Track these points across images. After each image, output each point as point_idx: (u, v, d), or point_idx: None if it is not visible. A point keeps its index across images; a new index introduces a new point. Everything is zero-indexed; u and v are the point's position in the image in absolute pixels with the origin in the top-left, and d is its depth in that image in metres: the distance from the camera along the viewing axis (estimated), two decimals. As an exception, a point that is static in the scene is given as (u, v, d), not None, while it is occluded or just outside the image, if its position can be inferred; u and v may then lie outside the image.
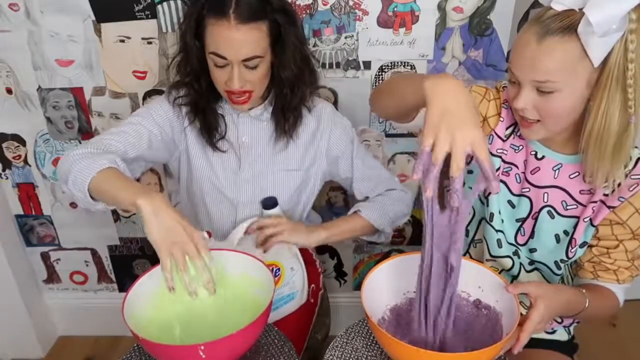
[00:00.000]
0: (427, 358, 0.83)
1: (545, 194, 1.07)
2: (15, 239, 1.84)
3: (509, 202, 1.12)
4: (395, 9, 1.42)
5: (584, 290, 1.03)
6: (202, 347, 0.84)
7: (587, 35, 0.85)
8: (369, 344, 1.01)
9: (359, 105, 1.56)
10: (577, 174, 1.04)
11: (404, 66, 1.50)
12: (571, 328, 1.23)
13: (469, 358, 0.85)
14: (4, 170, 1.74)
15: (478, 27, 1.44)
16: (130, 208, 0.94)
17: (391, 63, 1.50)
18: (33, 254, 1.90)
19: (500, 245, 1.13)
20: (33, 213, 1.81)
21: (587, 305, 1.02)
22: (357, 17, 1.44)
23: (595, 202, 1.02)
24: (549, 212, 1.08)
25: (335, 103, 1.58)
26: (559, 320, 1.19)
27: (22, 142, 1.69)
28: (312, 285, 1.36)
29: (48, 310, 2.01)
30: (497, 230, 1.12)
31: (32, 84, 1.58)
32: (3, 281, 1.81)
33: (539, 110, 0.96)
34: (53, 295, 1.99)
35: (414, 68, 1.50)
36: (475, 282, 0.99)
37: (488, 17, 1.42)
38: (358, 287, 1.90)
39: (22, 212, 1.82)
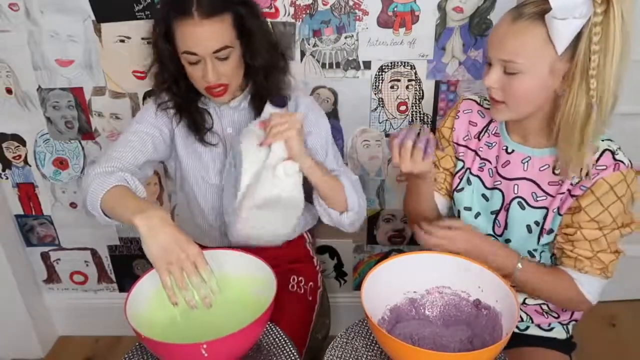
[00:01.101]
0: (427, 358, 0.83)
1: (516, 186, 1.11)
2: (15, 239, 1.84)
3: (483, 195, 1.18)
4: (395, 9, 1.42)
5: (523, 257, 1.10)
6: (205, 346, 0.84)
7: (550, 19, 0.92)
8: (369, 344, 1.01)
9: (359, 105, 1.57)
10: (546, 166, 1.09)
11: (403, 66, 1.50)
12: (569, 326, 1.24)
13: (469, 358, 0.85)
14: (4, 170, 1.74)
15: (478, 27, 1.44)
16: (129, 224, 0.97)
17: (391, 63, 1.50)
18: (33, 254, 1.90)
19: None
20: (33, 213, 1.81)
21: (518, 266, 1.07)
22: (357, 17, 1.44)
23: (563, 192, 1.06)
24: (519, 203, 1.11)
25: (335, 103, 1.58)
26: (555, 315, 1.20)
27: (22, 142, 1.69)
28: (311, 283, 1.36)
29: (48, 310, 2.00)
30: None
31: (32, 84, 1.58)
32: (3, 281, 1.81)
33: (504, 90, 1.03)
34: (53, 295, 1.99)
35: (414, 68, 1.50)
36: (475, 282, 0.99)
37: (488, 17, 1.42)
38: (358, 287, 1.90)
39: (22, 212, 1.81)
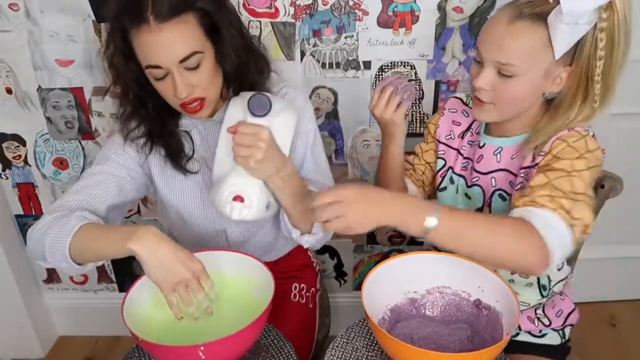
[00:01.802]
0: (427, 358, 0.83)
1: (493, 179, 1.09)
2: (15, 239, 1.84)
3: (466, 194, 1.16)
4: (395, 9, 1.42)
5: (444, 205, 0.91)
6: (202, 348, 0.84)
7: (555, 24, 0.89)
8: (369, 344, 1.01)
9: (359, 105, 1.56)
10: (517, 154, 1.06)
11: (404, 66, 1.50)
12: (566, 331, 1.21)
13: (469, 358, 0.85)
14: (4, 170, 1.74)
15: (478, 27, 1.44)
16: (123, 255, 0.90)
17: (391, 63, 1.50)
18: (33, 254, 1.90)
19: None
20: (33, 213, 1.81)
21: (438, 216, 0.85)
22: (357, 17, 1.44)
23: (531, 167, 1.02)
24: (500, 195, 1.09)
25: (335, 103, 1.58)
26: (546, 322, 1.17)
27: (22, 142, 1.69)
28: (312, 289, 1.35)
29: (48, 310, 2.00)
30: None
31: (32, 84, 1.58)
32: (3, 281, 1.81)
33: (495, 91, 0.99)
34: (53, 295, 1.99)
35: (414, 68, 1.50)
36: (476, 282, 0.99)
37: (488, 16, 1.42)
38: (358, 287, 1.89)
39: (22, 212, 1.81)
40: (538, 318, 1.17)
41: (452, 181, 1.19)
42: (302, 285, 1.33)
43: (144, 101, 1.07)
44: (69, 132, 1.66)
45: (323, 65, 1.52)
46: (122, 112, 1.10)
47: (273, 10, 1.45)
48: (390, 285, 1.01)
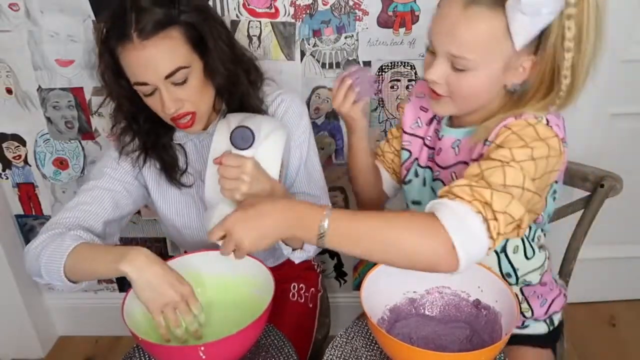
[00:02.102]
0: (427, 358, 0.83)
1: (453, 174, 1.01)
2: (15, 239, 1.84)
3: (432, 188, 1.08)
4: (395, 9, 1.42)
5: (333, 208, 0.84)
6: (202, 348, 0.84)
7: (514, 11, 0.79)
8: (369, 343, 1.01)
9: (359, 105, 1.56)
10: (474, 145, 0.96)
11: (404, 66, 1.50)
12: (554, 318, 1.14)
13: (469, 358, 0.85)
14: (4, 170, 1.74)
15: (478, 27, 1.44)
16: (115, 276, 0.92)
17: (391, 63, 1.50)
18: (33, 254, 1.90)
19: None
20: (33, 213, 1.81)
21: (330, 216, 0.80)
22: (357, 17, 1.44)
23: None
24: None
25: (335, 103, 1.58)
26: (528, 313, 1.10)
27: (22, 142, 1.69)
28: (312, 289, 1.35)
29: (48, 310, 2.00)
30: None
31: (32, 84, 1.58)
32: (3, 281, 1.81)
33: (450, 86, 0.90)
34: (53, 295, 1.98)
35: (414, 68, 1.50)
36: (475, 282, 0.99)
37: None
38: (358, 287, 1.88)
39: (22, 212, 1.81)
40: (522, 312, 1.10)
41: (416, 174, 1.11)
42: (301, 285, 1.33)
43: (136, 116, 1.07)
44: (69, 132, 1.66)
45: (323, 65, 1.52)
46: (116, 126, 1.11)
47: (273, 10, 1.45)
48: (390, 285, 1.01)
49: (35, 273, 1.01)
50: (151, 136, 1.10)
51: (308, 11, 1.44)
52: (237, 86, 1.06)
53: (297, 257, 1.09)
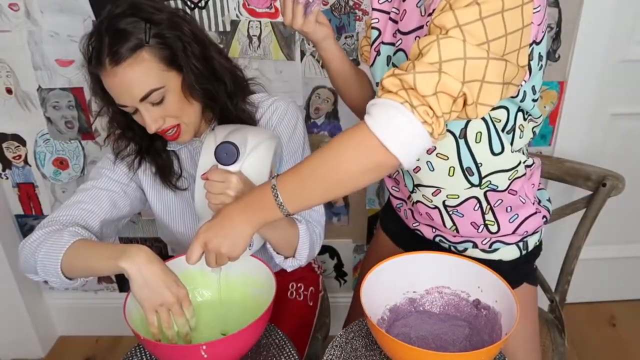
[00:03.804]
0: (427, 358, 0.83)
1: (417, 38, 0.87)
2: (15, 239, 1.84)
3: (394, 65, 0.99)
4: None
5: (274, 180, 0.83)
6: (204, 347, 0.84)
7: None
8: (368, 343, 1.01)
9: (359, 105, 1.57)
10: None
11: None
12: (529, 242, 1.06)
13: (469, 358, 0.85)
14: (4, 170, 1.74)
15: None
16: (114, 272, 0.92)
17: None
18: (33, 254, 1.90)
19: None
20: (33, 213, 1.81)
21: (273, 187, 0.81)
22: (357, 17, 1.44)
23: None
24: None
25: (335, 103, 1.58)
26: (496, 229, 1.02)
27: (22, 142, 1.69)
28: (311, 288, 1.35)
29: (48, 310, 2.00)
30: None
31: (32, 84, 1.58)
32: (3, 281, 1.81)
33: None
34: (53, 295, 1.99)
35: (414, 68, 1.50)
36: (475, 282, 0.99)
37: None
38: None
39: (22, 212, 1.82)
40: (486, 225, 1.02)
41: (379, 52, 1.02)
42: (300, 284, 1.34)
43: (130, 124, 1.08)
44: (69, 132, 1.66)
45: (323, 65, 1.52)
46: (110, 134, 1.12)
47: (273, 10, 1.45)
48: (390, 285, 1.01)
49: (30, 269, 1.00)
50: (145, 141, 1.11)
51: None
52: (216, 101, 1.06)
53: (289, 266, 1.09)
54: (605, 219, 1.29)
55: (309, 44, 1.48)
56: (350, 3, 1.42)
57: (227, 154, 0.94)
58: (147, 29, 0.95)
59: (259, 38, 1.48)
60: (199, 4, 1.45)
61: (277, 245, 1.06)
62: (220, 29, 1.48)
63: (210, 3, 1.45)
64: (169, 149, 1.15)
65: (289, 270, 1.11)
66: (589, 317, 1.95)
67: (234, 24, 1.47)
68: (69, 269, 0.95)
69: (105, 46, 0.94)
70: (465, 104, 0.75)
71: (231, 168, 0.96)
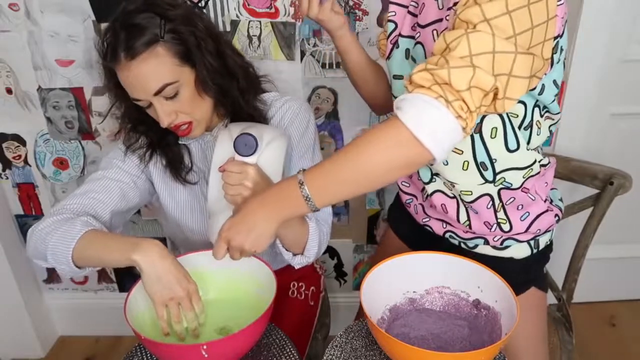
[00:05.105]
0: (426, 358, 0.83)
1: (434, 32, 0.91)
2: (15, 239, 1.84)
3: (413, 59, 0.99)
4: (395, 9, 1.42)
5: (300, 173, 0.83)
6: (205, 347, 0.84)
7: None
8: (368, 343, 1.01)
9: (359, 105, 1.56)
10: None
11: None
12: (540, 240, 1.06)
13: (469, 358, 0.85)
14: (4, 170, 1.74)
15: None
16: (126, 264, 0.92)
17: (391, 63, 1.50)
18: (33, 254, 1.90)
19: None
20: (33, 213, 1.81)
21: (300, 181, 0.81)
22: (357, 17, 1.44)
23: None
24: None
25: (335, 103, 1.58)
26: (508, 228, 1.02)
27: (22, 142, 1.69)
28: (312, 287, 1.35)
29: (48, 310, 2.01)
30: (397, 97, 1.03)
31: (32, 84, 1.58)
32: (3, 281, 1.81)
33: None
34: (53, 295, 1.99)
35: (414, 68, 1.50)
36: (475, 282, 0.99)
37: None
38: (358, 287, 1.89)
39: (22, 212, 1.81)
40: (499, 224, 1.02)
41: (397, 45, 1.02)
42: (300, 283, 1.34)
43: (142, 120, 1.09)
44: (69, 132, 1.66)
45: (323, 65, 1.52)
46: (122, 128, 1.13)
47: (273, 10, 1.45)
48: (390, 285, 1.01)
49: (39, 255, 1.00)
50: (157, 135, 1.12)
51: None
52: (228, 97, 1.06)
53: (298, 263, 1.09)
54: (605, 219, 1.29)
55: (309, 44, 1.48)
56: (350, 3, 1.42)
57: (246, 144, 0.95)
58: (162, 25, 0.96)
59: (259, 38, 1.48)
60: (199, 4, 1.45)
61: (287, 243, 1.06)
62: (220, 29, 1.48)
63: (210, 3, 1.45)
64: (180, 142, 1.16)
65: (297, 267, 1.11)
66: (589, 317, 1.95)
67: (234, 24, 1.47)
68: (80, 258, 0.96)
69: (121, 41, 0.95)
70: (495, 97, 0.76)
71: (249, 160, 0.97)
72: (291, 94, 1.51)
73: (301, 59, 1.51)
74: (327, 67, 1.52)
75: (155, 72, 0.96)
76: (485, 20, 0.72)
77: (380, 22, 1.44)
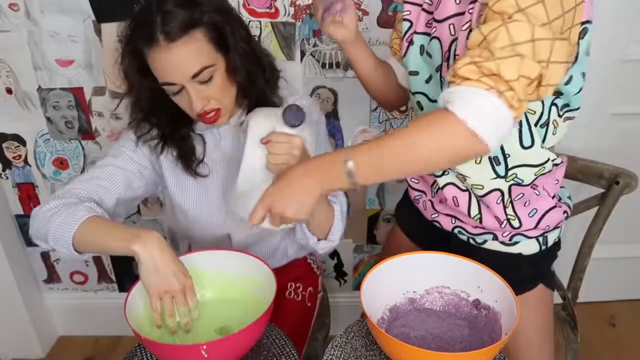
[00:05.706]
0: (426, 358, 0.83)
1: (451, 26, 0.92)
2: (15, 239, 1.84)
3: (428, 53, 1.00)
4: (395, 9, 1.42)
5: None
6: (205, 347, 0.84)
7: None
8: (369, 343, 1.01)
9: (359, 105, 1.57)
10: None
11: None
12: (549, 237, 1.07)
13: (469, 358, 0.85)
14: (4, 170, 1.74)
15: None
16: (125, 253, 0.93)
17: (391, 63, 1.50)
18: (33, 254, 1.90)
19: (421, 108, 1.05)
20: (33, 213, 1.81)
21: (350, 156, 0.80)
22: (357, 17, 1.44)
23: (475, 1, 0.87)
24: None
25: (335, 103, 1.58)
26: (517, 224, 1.03)
27: (22, 142, 1.69)
28: (310, 288, 1.35)
29: (48, 310, 2.01)
30: (414, 93, 1.06)
31: (32, 84, 1.58)
32: (3, 281, 1.81)
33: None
34: (53, 295, 1.99)
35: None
36: (475, 282, 0.99)
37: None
38: (358, 287, 1.89)
39: (22, 212, 1.82)
40: (508, 220, 1.03)
41: (412, 42, 1.03)
42: (298, 284, 1.34)
43: (155, 110, 1.10)
44: (69, 132, 1.66)
45: (323, 65, 1.52)
46: (133, 118, 1.13)
47: (273, 10, 1.45)
48: (390, 285, 1.01)
49: (40, 237, 1.01)
50: (170, 127, 1.12)
51: (308, 11, 1.44)
52: (255, 84, 1.09)
53: (322, 248, 1.11)
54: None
55: (309, 44, 1.48)
56: (350, 3, 1.42)
57: (295, 115, 0.96)
58: (199, 11, 0.98)
59: (259, 38, 1.48)
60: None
61: (314, 226, 1.08)
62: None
63: (210, 3, 1.45)
64: (196, 132, 1.16)
65: (321, 252, 1.12)
66: (589, 317, 1.95)
67: (234, 24, 1.47)
68: (81, 243, 0.97)
69: (158, 24, 0.96)
70: (539, 84, 0.77)
71: (294, 131, 0.98)
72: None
73: (301, 59, 1.51)
74: (327, 67, 1.52)
75: (194, 55, 0.98)
76: (521, 10, 0.73)
77: (380, 22, 1.44)
